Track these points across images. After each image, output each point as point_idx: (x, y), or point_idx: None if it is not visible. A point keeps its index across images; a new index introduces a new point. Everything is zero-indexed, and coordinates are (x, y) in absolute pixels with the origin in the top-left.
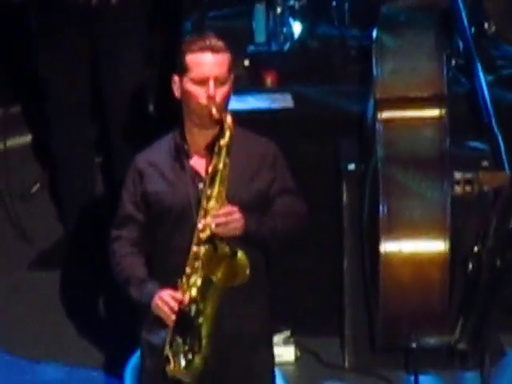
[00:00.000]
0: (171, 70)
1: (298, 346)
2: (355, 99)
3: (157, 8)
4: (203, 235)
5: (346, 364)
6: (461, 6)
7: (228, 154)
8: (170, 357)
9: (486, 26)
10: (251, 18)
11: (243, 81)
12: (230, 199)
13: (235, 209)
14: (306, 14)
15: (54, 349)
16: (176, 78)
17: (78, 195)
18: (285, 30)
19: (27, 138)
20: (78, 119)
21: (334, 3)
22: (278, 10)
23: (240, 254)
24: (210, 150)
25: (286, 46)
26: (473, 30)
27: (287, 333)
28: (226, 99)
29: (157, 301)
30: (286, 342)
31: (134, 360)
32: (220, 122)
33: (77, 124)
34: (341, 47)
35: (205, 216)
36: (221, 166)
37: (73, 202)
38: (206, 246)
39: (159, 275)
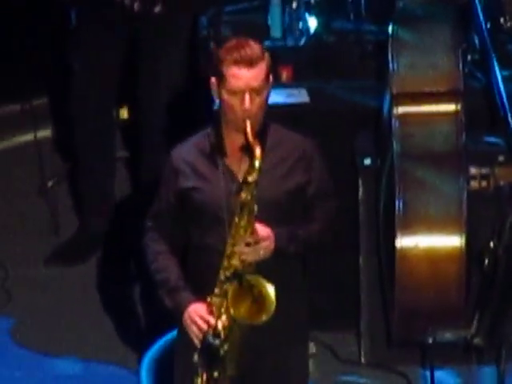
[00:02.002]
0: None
1: (314, 340)
2: (371, 94)
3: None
4: (232, 262)
5: (363, 359)
6: (477, 0)
7: (256, 187)
8: (199, 370)
9: (502, 20)
10: (267, 13)
11: None
12: (261, 198)
13: (264, 235)
14: (321, 8)
15: (71, 343)
16: (213, 81)
17: (96, 191)
18: (300, 24)
19: (46, 132)
20: (102, 116)
21: None
22: (294, 4)
23: (268, 288)
24: (245, 151)
25: (302, 41)
26: (489, 24)
27: None
28: (263, 106)
29: (186, 318)
30: None
31: (150, 355)
32: (250, 146)
33: (101, 121)
34: (357, 42)
35: (233, 243)
36: (249, 198)
37: (90, 198)
38: (232, 282)
39: (193, 272)
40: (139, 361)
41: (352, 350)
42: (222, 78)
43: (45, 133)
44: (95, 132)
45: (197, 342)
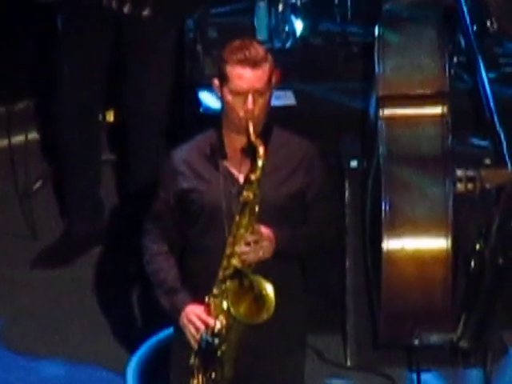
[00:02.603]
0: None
1: None
2: (358, 96)
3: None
4: (231, 262)
5: (349, 362)
6: (463, 3)
7: (258, 186)
8: (195, 371)
9: (488, 23)
10: (253, 15)
11: None
12: (262, 200)
13: (264, 234)
14: (307, 10)
15: (57, 345)
16: (216, 82)
17: (82, 193)
18: (287, 27)
19: (31, 136)
20: (87, 118)
21: (336, 0)
22: (280, 7)
23: (266, 291)
24: (246, 153)
25: (288, 43)
26: (475, 27)
27: None
28: (266, 108)
29: (183, 319)
30: None
31: (137, 357)
32: (253, 145)
33: (86, 123)
34: (343, 44)
35: (234, 243)
36: (251, 197)
37: (76, 200)
38: (232, 280)
39: (190, 274)
40: (126, 363)
41: (338, 352)
42: (225, 79)
43: (31, 135)
44: (81, 135)
45: (193, 342)
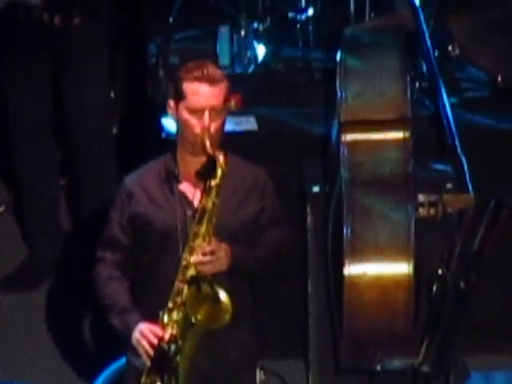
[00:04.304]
0: (137, 93)
1: (262, 368)
2: (319, 121)
3: (120, 31)
4: (187, 273)
5: None
6: (424, 28)
7: (218, 193)
8: None
9: (449, 48)
10: (216, 41)
11: None
12: (216, 227)
13: (221, 246)
14: (269, 36)
15: (25, 369)
16: (171, 103)
17: (43, 217)
18: (249, 52)
19: None
20: (42, 141)
21: (298, 25)
22: (242, 32)
23: (224, 297)
24: (201, 177)
25: (251, 69)
26: (437, 52)
27: None
28: (221, 129)
29: (136, 334)
30: None
31: (100, 381)
32: (212, 157)
33: (41, 146)
34: (305, 69)
35: (191, 253)
36: (210, 205)
37: (38, 224)
38: (190, 286)
39: (142, 299)
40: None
41: (300, 377)
42: (182, 96)
43: None
44: (35, 156)
45: (146, 357)
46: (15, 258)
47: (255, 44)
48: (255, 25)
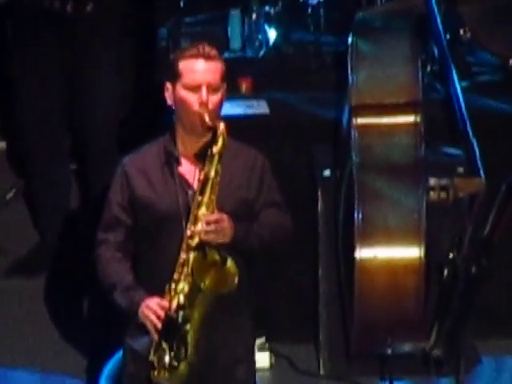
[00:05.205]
0: (147, 77)
1: (272, 352)
2: (330, 105)
3: (130, 15)
4: (192, 242)
5: (321, 370)
6: (436, 12)
7: (220, 161)
8: (155, 363)
9: (461, 32)
10: (226, 25)
11: None
12: (217, 207)
13: (225, 216)
14: (281, 20)
15: (29, 355)
16: (168, 85)
17: (53, 203)
18: (260, 36)
19: (1, 145)
20: (53, 127)
21: (309, 9)
22: (254, 16)
23: (229, 262)
24: (200, 158)
25: (262, 53)
26: (448, 36)
27: (262, 339)
28: (219, 107)
29: (143, 309)
30: (260, 348)
31: (109, 367)
32: (213, 130)
33: (51, 132)
34: (316, 53)
35: (195, 223)
36: (212, 173)
37: (48, 210)
38: (195, 253)
39: (145, 280)
40: (98, 373)
41: (311, 361)
42: (178, 75)
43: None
44: (46, 142)
45: (154, 331)
46: (25, 243)
47: (266, 28)
48: (266, 8)
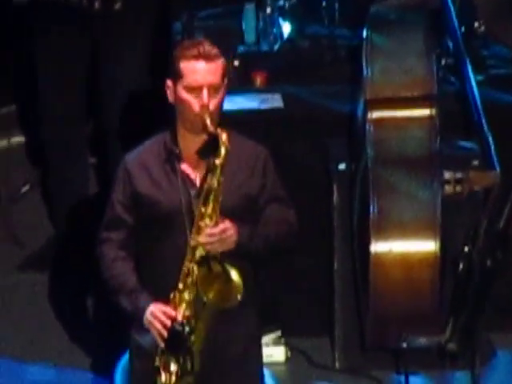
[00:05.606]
0: (161, 72)
1: (288, 346)
2: (345, 99)
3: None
4: (196, 253)
5: (337, 364)
6: (450, 5)
7: (222, 172)
8: (161, 369)
9: (475, 25)
10: (241, 18)
11: (233, 81)
12: (220, 205)
13: (228, 225)
14: (295, 13)
15: (44, 350)
16: (169, 83)
17: (70, 196)
18: (275, 30)
19: (16, 139)
20: (73, 121)
21: (323, 3)
22: (268, 9)
23: (235, 275)
24: (201, 154)
25: (276, 46)
26: (463, 29)
27: (278, 333)
28: (220, 106)
29: (148, 316)
30: (276, 343)
31: (125, 361)
32: (213, 135)
33: (72, 123)
34: (331, 47)
35: (198, 233)
36: (215, 184)
37: (65, 203)
38: (200, 266)
39: (147, 278)
40: (113, 367)
41: (326, 355)
42: (179, 75)
43: (14, 140)
44: (66, 138)
45: (160, 339)
46: (40, 237)
47: (281, 21)
48: (281, 2)
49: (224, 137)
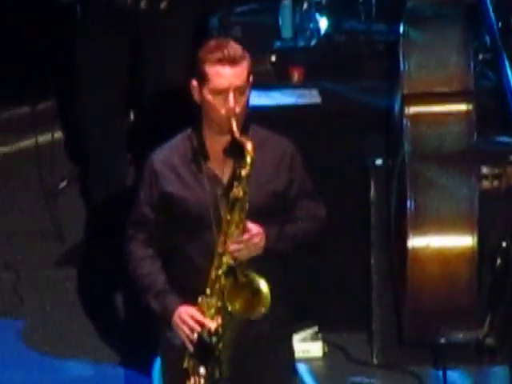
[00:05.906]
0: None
1: (325, 341)
2: (382, 94)
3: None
4: (223, 260)
5: (374, 360)
6: (488, 0)
7: (248, 181)
8: (190, 373)
9: None
10: (278, 14)
11: (270, 77)
12: (248, 202)
13: (255, 231)
14: (332, 9)
15: (82, 346)
16: (194, 83)
17: (109, 190)
18: (311, 25)
19: (56, 135)
20: (112, 118)
21: None
22: (305, 5)
23: (262, 285)
24: (227, 154)
25: (313, 42)
26: (500, 24)
27: (315, 328)
28: (245, 108)
29: (176, 319)
30: (313, 338)
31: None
32: (239, 142)
33: (110, 123)
34: (367, 42)
35: (225, 240)
36: (241, 193)
37: (103, 199)
38: (227, 277)
39: (174, 278)
40: (150, 363)
41: (364, 350)
42: (204, 79)
43: (56, 135)
44: (105, 134)
45: (188, 343)
46: (78, 232)
47: (317, 17)
48: None
49: (249, 146)
